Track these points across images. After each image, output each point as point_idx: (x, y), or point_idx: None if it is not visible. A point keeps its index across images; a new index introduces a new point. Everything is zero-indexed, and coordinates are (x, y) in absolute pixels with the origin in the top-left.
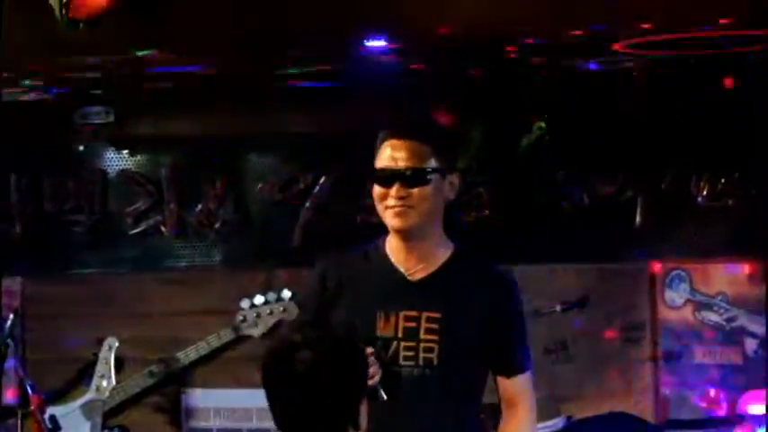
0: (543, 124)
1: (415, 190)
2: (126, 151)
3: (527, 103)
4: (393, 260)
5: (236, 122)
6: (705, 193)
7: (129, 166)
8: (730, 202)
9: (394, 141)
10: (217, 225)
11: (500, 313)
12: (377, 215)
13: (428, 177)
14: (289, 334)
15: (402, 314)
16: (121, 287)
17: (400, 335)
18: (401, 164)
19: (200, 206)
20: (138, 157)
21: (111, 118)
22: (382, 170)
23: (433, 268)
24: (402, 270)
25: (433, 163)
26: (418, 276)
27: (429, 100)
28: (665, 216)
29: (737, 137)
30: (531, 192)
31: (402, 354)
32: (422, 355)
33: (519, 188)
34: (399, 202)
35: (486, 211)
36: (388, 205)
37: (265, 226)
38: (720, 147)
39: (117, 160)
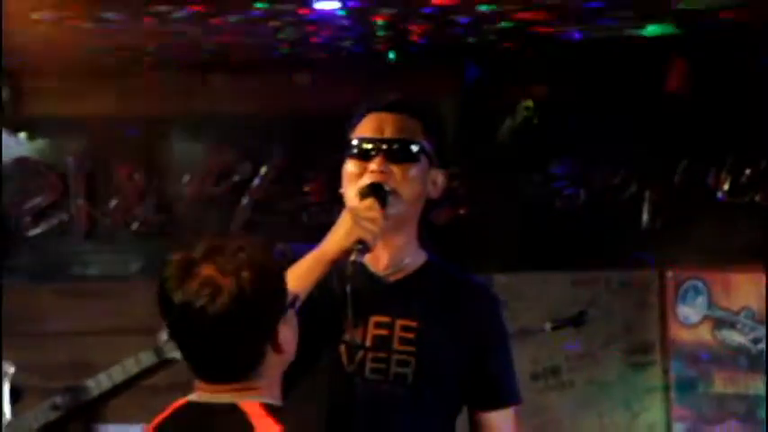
0: (531, 104)
1: (400, 167)
2: (24, 134)
3: (512, 78)
4: (368, 265)
5: (159, 101)
6: (726, 187)
7: (27, 153)
8: (756, 197)
9: (379, 114)
10: (135, 225)
11: (482, 332)
12: (326, 214)
13: (417, 155)
14: (186, 250)
15: (372, 319)
16: (17, 301)
17: (368, 343)
18: (388, 134)
19: (114, 202)
20: (39, 141)
21: (6, 95)
22: (362, 140)
23: (407, 271)
24: (372, 269)
25: (422, 140)
26: (392, 278)
27: (392, 72)
28: (677, 215)
29: (764, 120)
30: (516, 186)
31: (369, 366)
32: (394, 369)
33: (501, 182)
34: (380, 179)
35: (462, 210)
36: (361, 184)
37: (194, 227)
38: (744, 132)
39: (13, 146)
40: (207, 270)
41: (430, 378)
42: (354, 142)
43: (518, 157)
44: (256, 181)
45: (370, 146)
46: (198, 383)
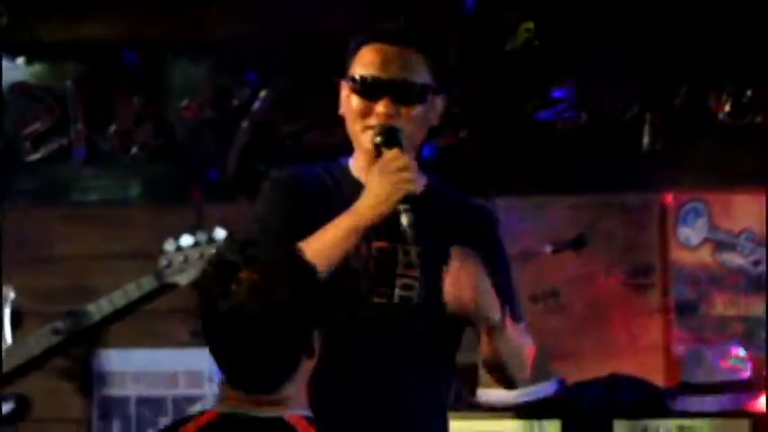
0: (531, 25)
1: (406, 108)
2: (21, 59)
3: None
4: (363, 183)
5: (157, 24)
6: (727, 108)
7: (25, 78)
8: (758, 119)
9: (382, 46)
10: (134, 150)
11: (486, 251)
12: (328, 135)
13: (424, 94)
14: (224, 253)
15: (374, 245)
16: (18, 226)
17: (372, 269)
18: (392, 76)
19: (113, 126)
20: (37, 66)
21: (4, 19)
22: (368, 78)
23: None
24: None
25: (427, 77)
26: None
27: None
28: (678, 137)
29: (766, 41)
30: (515, 109)
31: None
32: (398, 293)
33: (501, 105)
34: (389, 121)
35: (462, 134)
36: (368, 125)
37: (193, 150)
38: (746, 51)
39: (10, 70)
40: (251, 275)
41: (434, 301)
42: (358, 77)
43: (517, 78)
44: (255, 104)
45: (375, 85)
46: (227, 393)
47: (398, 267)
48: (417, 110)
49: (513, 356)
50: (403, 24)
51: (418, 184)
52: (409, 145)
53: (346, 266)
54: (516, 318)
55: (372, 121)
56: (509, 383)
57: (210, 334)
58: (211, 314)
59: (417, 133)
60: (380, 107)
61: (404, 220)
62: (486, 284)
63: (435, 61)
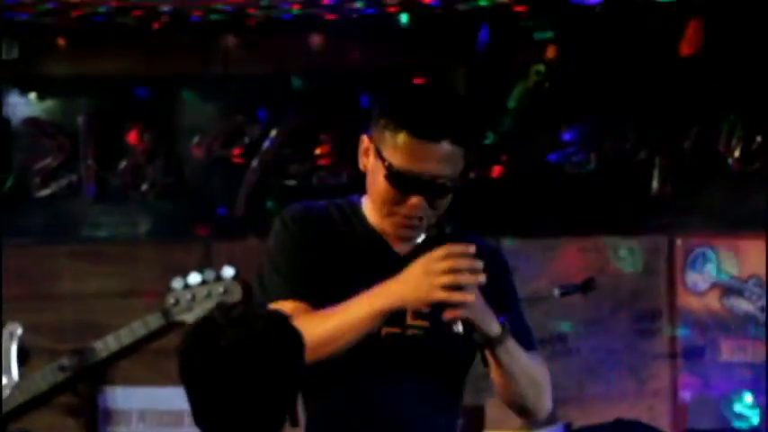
0: (542, 68)
1: (436, 202)
2: (33, 95)
3: (524, 42)
4: (374, 227)
5: (169, 61)
6: (737, 153)
7: (36, 114)
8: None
9: (419, 142)
10: (144, 187)
11: (497, 296)
12: (338, 175)
13: (455, 186)
14: (212, 312)
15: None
16: (26, 262)
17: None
18: (430, 173)
19: (123, 163)
20: (49, 101)
21: (16, 53)
22: (404, 174)
23: (416, 240)
24: (387, 239)
25: (460, 164)
26: (403, 249)
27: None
28: (687, 181)
29: None
30: (525, 151)
31: (384, 341)
32: (410, 331)
33: (511, 146)
34: (416, 219)
35: (471, 174)
36: (400, 213)
37: (203, 189)
38: (756, 96)
39: (21, 106)
40: (235, 333)
41: (443, 353)
42: (395, 168)
43: (527, 121)
44: (266, 143)
45: (411, 182)
46: None
47: (408, 317)
48: (445, 200)
49: (525, 379)
50: (441, 115)
51: (428, 228)
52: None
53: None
54: (530, 347)
55: (403, 211)
56: (529, 414)
57: (190, 388)
58: (191, 370)
59: (442, 210)
60: (413, 202)
61: (457, 328)
62: (478, 296)
63: (472, 148)
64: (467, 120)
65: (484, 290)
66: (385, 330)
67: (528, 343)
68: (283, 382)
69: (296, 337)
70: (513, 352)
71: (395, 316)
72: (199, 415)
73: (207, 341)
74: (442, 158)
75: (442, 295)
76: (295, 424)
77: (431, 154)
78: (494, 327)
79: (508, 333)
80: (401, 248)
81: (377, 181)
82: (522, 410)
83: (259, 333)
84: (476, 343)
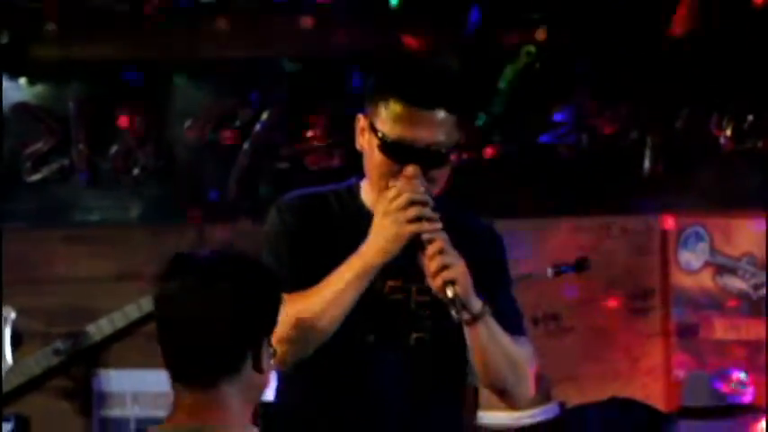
0: (532, 49)
1: (433, 170)
2: (24, 79)
3: (511, 23)
4: (371, 209)
5: (159, 44)
6: (728, 133)
7: (27, 99)
8: (759, 144)
9: (413, 110)
10: (135, 171)
11: (491, 267)
12: (329, 157)
13: (449, 156)
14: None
15: (388, 284)
16: (19, 246)
17: (386, 311)
18: (424, 140)
19: (115, 147)
20: (39, 86)
21: (5, 38)
22: (398, 143)
23: None
24: None
25: (455, 135)
26: None
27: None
28: (679, 161)
29: None
30: (517, 132)
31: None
32: (414, 334)
33: (503, 127)
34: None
35: (465, 155)
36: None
37: (194, 172)
38: (747, 77)
39: (12, 91)
40: (204, 263)
41: (447, 339)
42: (388, 139)
43: (518, 101)
44: (258, 126)
45: (405, 151)
46: (173, 401)
47: (411, 305)
48: (440, 171)
49: (504, 361)
50: (434, 83)
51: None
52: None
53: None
54: (517, 330)
55: (401, 186)
56: (508, 397)
57: (158, 319)
58: (160, 308)
59: (439, 184)
60: (408, 171)
61: (449, 292)
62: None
63: (464, 117)
64: (460, 88)
65: (473, 267)
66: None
67: (516, 327)
68: (243, 320)
69: (264, 279)
70: (492, 331)
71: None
72: (165, 350)
73: (176, 273)
74: (436, 126)
75: (411, 227)
76: (259, 370)
77: (425, 122)
78: (475, 302)
79: (488, 312)
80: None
81: (372, 156)
82: (502, 393)
83: (225, 270)
84: (457, 321)
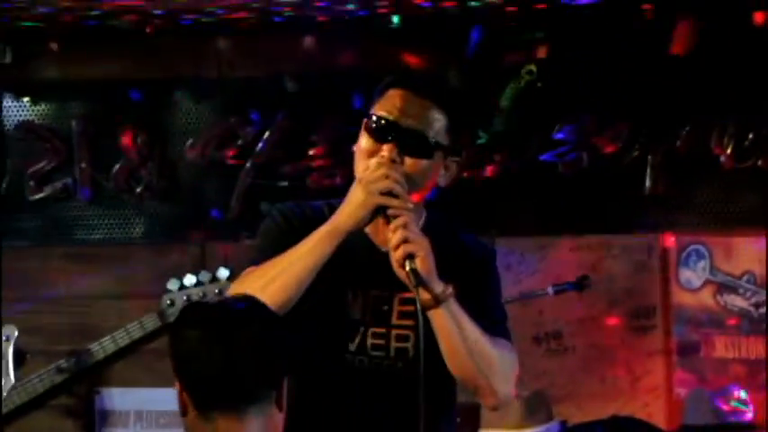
0: (533, 68)
1: (411, 159)
2: (27, 99)
3: (513, 42)
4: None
5: (162, 63)
6: (728, 151)
7: (30, 117)
8: (759, 162)
9: (407, 93)
10: (138, 189)
11: (476, 284)
12: (330, 177)
13: (431, 151)
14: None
15: (372, 293)
16: (22, 264)
17: (368, 318)
18: (408, 123)
19: (117, 166)
20: (42, 105)
21: (9, 58)
22: (382, 120)
23: None
24: (371, 237)
25: (443, 137)
26: (387, 246)
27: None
28: (680, 180)
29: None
30: (518, 150)
31: (370, 342)
32: (394, 344)
33: (504, 145)
34: (386, 160)
35: (465, 174)
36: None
37: (197, 191)
38: (747, 96)
39: (15, 110)
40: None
41: (431, 352)
42: (373, 117)
43: (520, 120)
44: (260, 145)
45: (387, 128)
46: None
47: (393, 317)
48: (422, 164)
49: (473, 350)
50: (438, 78)
51: (419, 217)
52: (406, 184)
53: (342, 315)
54: (500, 332)
55: (374, 164)
56: (485, 394)
57: (178, 368)
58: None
59: (418, 188)
60: (385, 149)
61: (407, 265)
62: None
63: (458, 125)
64: (457, 95)
65: (464, 290)
66: (371, 331)
67: (499, 330)
68: (266, 365)
69: (278, 320)
70: (458, 319)
71: (380, 316)
72: (190, 388)
73: (190, 322)
74: (424, 115)
75: (379, 199)
76: (280, 407)
77: (414, 106)
78: (437, 284)
79: (451, 296)
80: (385, 246)
81: (359, 142)
82: (476, 389)
83: (235, 314)
84: (421, 307)
